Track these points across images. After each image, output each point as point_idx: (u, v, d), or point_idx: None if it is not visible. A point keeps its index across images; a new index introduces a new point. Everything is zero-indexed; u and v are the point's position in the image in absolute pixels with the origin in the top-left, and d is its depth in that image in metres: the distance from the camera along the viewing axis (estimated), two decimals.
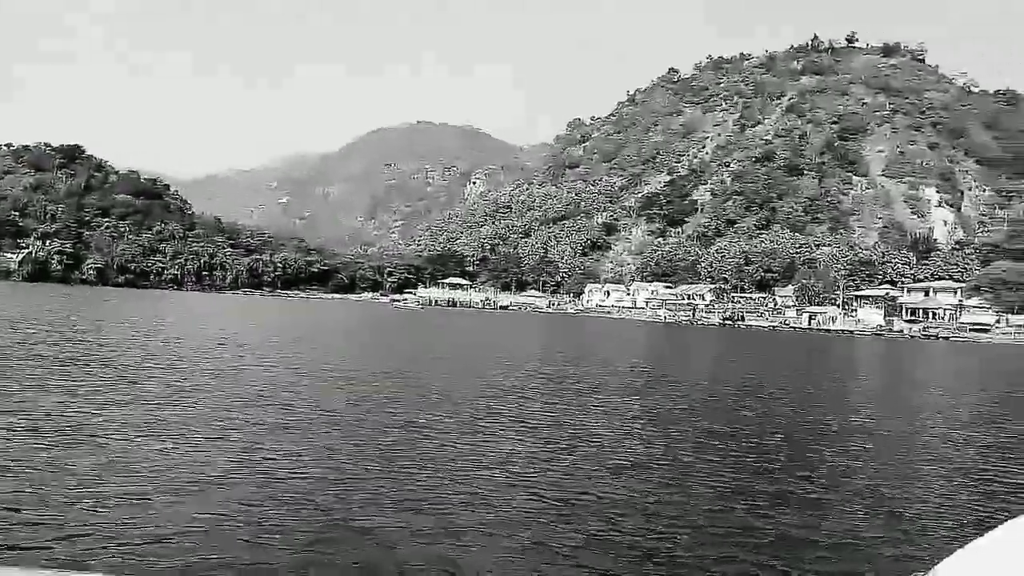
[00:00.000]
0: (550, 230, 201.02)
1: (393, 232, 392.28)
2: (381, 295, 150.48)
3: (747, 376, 20.55)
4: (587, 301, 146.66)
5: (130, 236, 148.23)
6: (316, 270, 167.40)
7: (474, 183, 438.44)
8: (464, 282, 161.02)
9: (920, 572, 1.90)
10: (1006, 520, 2.01)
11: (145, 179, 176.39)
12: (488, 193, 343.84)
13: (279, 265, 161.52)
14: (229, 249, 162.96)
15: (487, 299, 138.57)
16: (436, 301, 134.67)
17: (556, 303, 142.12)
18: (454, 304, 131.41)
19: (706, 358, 29.91)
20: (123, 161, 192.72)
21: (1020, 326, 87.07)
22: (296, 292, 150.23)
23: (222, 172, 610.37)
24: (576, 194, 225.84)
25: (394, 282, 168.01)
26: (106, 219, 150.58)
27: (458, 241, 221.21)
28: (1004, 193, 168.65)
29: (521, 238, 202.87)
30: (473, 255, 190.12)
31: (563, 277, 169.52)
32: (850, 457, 9.63)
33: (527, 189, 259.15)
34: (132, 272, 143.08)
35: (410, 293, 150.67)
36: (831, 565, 5.26)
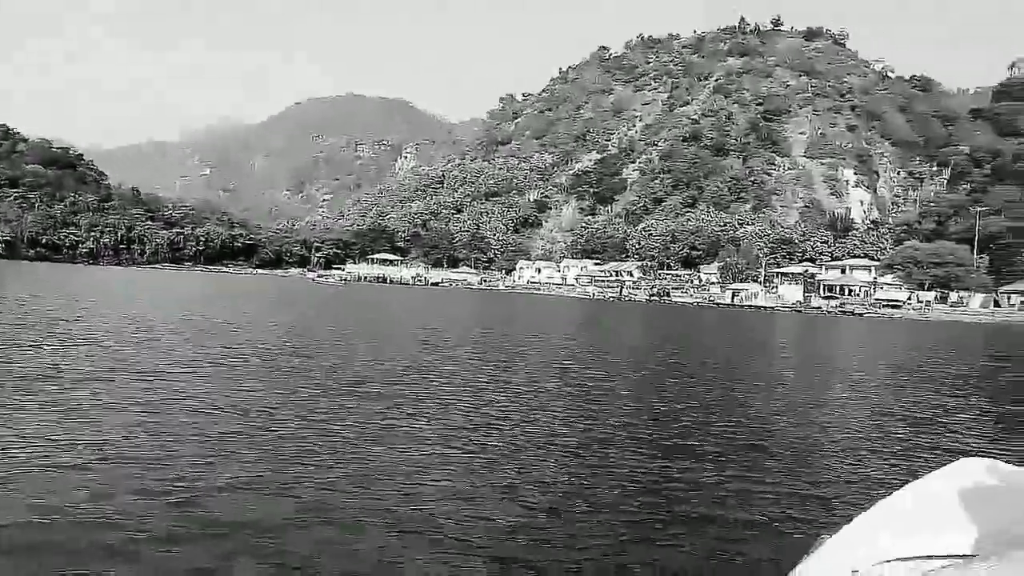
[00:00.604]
0: (482, 206, 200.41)
1: (321, 206, 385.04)
2: (308, 270, 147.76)
3: (666, 352, 20.95)
4: (518, 278, 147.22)
5: (41, 208, 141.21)
6: (240, 244, 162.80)
7: (405, 157, 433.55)
8: (395, 258, 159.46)
9: (826, 535, 1.95)
10: (908, 483, 2.09)
11: (57, 148, 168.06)
12: (419, 168, 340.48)
13: (201, 239, 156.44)
14: (148, 222, 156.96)
15: (418, 275, 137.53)
16: (365, 277, 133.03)
17: (488, 280, 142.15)
18: (384, 280, 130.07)
19: (628, 333, 30.34)
20: (33, 129, 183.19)
21: (928, 302, 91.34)
22: (219, 267, 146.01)
23: (142, 143, 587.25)
24: (508, 170, 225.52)
25: (322, 257, 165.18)
26: (14, 190, 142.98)
27: (388, 216, 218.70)
28: (916, 175, 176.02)
29: (453, 214, 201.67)
30: (404, 230, 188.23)
31: (495, 254, 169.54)
32: (758, 427, 9.86)
33: (459, 164, 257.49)
34: (44, 246, 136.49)
35: (339, 268, 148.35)
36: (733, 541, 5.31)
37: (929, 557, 1.70)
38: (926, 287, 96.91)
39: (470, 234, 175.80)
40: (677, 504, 6.11)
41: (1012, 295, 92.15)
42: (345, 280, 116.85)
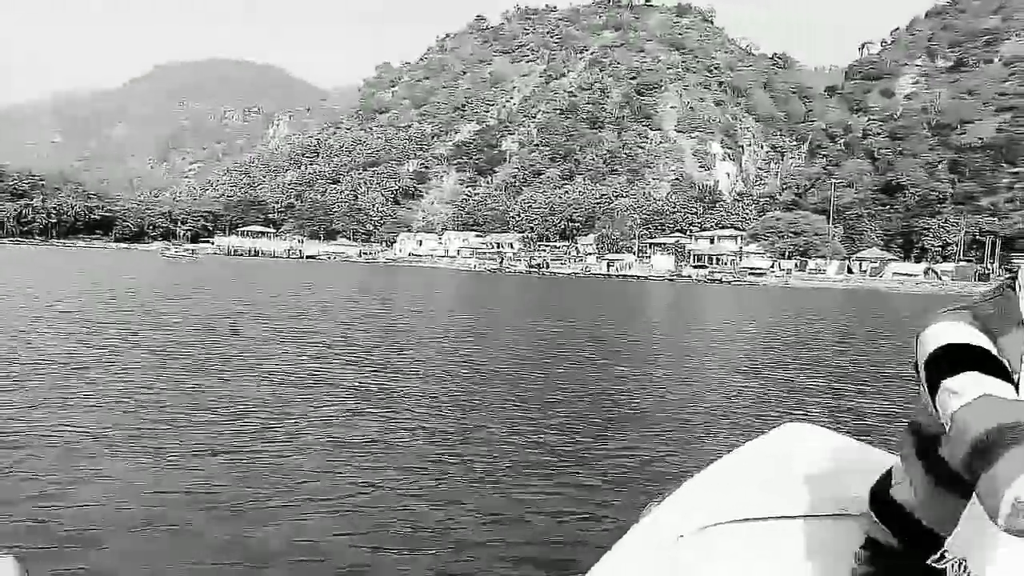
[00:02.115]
0: (360, 176, 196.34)
1: (187, 176, 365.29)
2: (173, 245, 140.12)
3: (535, 321, 21.21)
4: (399, 250, 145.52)
5: None
6: (98, 217, 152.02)
7: (277, 125, 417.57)
8: (267, 230, 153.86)
9: (655, 501, 2.01)
10: (735, 448, 2.16)
11: None
12: (293, 136, 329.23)
13: (52, 211, 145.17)
14: None
15: (292, 248, 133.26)
16: (236, 250, 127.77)
17: (367, 252, 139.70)
18: (256, 254, 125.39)
19: (506, 302, 30.56)
20: None
21: (789, 270, 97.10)
22: (74, 241, 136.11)
23: None
24: (386, 140, 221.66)
25: (188, 230, 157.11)
26: None
27: (260, 187, 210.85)
28: (778, 149, 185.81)
29: (329, 184, 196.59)
30: (277, 202, 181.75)
31: (374, 225, 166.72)
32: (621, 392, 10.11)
33: (335, 133, 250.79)
34: None
35: (207, 242, 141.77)
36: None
37: (750, 519, 1.76)
38: (787, 255, 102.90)
39: (348, 205, 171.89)
40: (514, 472, 6.15)
41: (862, 262, 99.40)
42: (193, 252, 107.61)
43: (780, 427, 2.29)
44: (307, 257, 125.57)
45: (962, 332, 1.16)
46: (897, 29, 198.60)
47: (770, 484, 1.91)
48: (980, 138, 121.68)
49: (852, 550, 1.50)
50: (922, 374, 1.18)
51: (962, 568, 1.17)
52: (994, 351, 1.15)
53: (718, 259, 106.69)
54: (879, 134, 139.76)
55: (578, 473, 6.11)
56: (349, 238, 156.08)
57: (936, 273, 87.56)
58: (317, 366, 11.02)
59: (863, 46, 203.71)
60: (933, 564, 1.21)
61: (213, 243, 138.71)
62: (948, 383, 1.12)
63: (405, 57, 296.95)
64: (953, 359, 1.13)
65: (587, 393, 9.76)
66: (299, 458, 6.14)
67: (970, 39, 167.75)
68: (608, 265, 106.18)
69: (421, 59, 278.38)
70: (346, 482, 5.59)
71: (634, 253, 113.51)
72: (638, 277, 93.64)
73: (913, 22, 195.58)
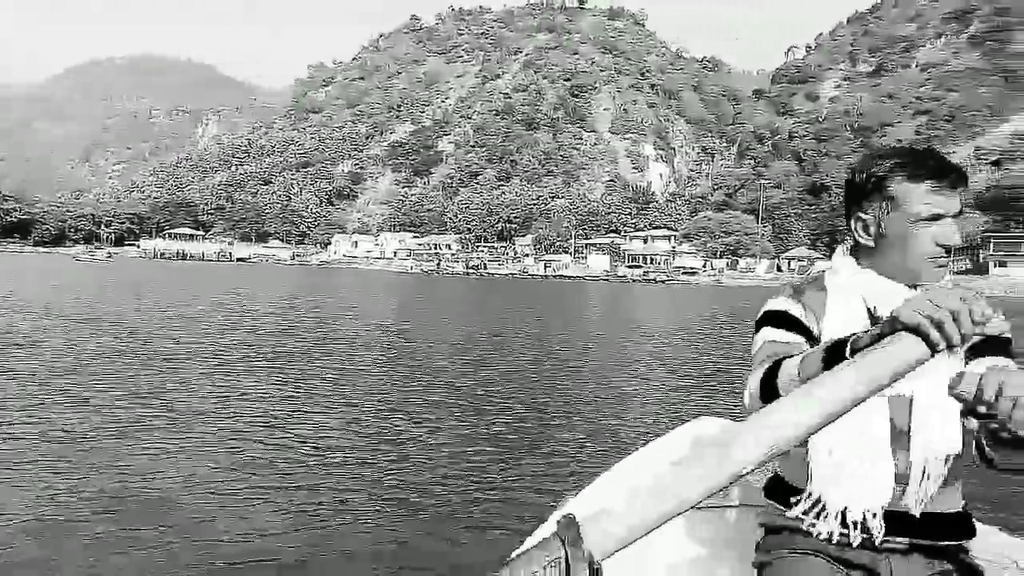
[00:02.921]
0: (293, 177, 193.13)
1: (112, 177, 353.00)
2: (95, 248, 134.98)
3: (471, 323, 21.28)
4: (334, 252, 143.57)
5: None
6: (14, 220, 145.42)
7: (206, 125, 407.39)
8: (196, 233, 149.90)
9: (570, 494, 2.00)
10: (650, 441, 2.23)
11: None
12: (223, 136, 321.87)
13: None
14: None
15: (222, 251, 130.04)
16: (163, 253, 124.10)
17: (301, 255, 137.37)
18: (184, 256, 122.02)
19: (443, 304, 30.51)
20: None
21: (721, 269, 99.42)
22: None
23: None
24: (320, 140, 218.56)
25: (112, 233, 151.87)
26: None
27: (189, 188, 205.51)
28: (708, 150, 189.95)
29: (261, 185, 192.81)
30: (207, 203, 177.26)
31: (308, 227, 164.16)
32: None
33: (266, 133, 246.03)
34: None
35: (132, 245, 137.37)
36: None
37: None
38: (718, 255, 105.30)
39: (280, 207, 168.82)
40: (435, 468, 6.15)
41: (791, 260, 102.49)
42: (110, 256, 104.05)
43: (692, 421, 2.35)
44: (238, 260, 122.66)
45: (776, 302, 1.45)
46: (821, 34, 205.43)
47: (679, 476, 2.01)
48: (899, 140, 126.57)
49: (755, 539, 1.54)
50: None
51: (820, 507, 1.31)
52: (796, 310, 1.41)
53: (652, 259, 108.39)
54: (805, 136, 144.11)
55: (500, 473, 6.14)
56: (282, 240, 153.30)
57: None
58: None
59: (789, 50, 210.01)
60: (800, 516, 1.35)
61: (139, 246, 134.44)
62: (754, 339, 1.43)
63: (338, 57, 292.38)
64: (759, 322, 1.44)
65: (518, 398, 9.84)
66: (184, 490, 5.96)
67: (889, 45, 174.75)
68: (545, 266, 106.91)
69: (355, 59, 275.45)
70: (238, 512, 5.42)
71: (570, 254, 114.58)
72: (574, 277, 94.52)
73: (836, 27, 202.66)
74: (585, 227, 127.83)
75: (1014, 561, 1.53)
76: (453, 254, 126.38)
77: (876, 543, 1.29)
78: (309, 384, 10.00)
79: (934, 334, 0.87)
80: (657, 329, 22.63)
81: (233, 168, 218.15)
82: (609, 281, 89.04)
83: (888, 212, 1.35)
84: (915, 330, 0.88)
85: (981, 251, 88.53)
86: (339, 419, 7.95)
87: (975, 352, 1.31)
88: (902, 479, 1.26)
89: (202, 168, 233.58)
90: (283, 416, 8.07)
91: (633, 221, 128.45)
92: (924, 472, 1.25)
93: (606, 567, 0.97)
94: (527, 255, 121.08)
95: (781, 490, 1.45)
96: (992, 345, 1.33)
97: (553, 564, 0.81)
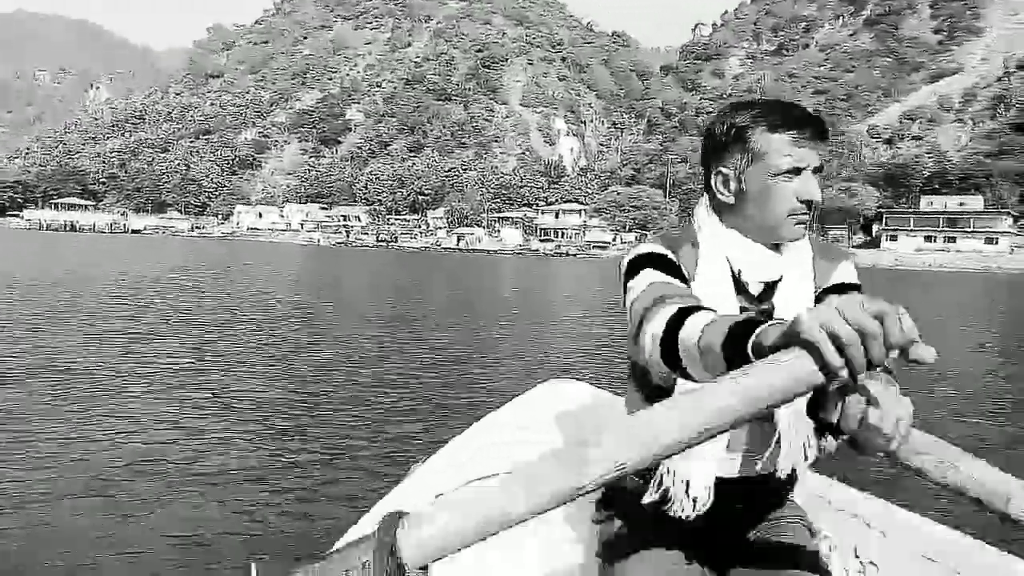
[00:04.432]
0: (192, 145, 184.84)
1: None
2: None
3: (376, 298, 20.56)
4: (237, 224, 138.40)
5: None
6: None
7: (98, 88, 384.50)
8: (87, 203, 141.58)
9: (418, 462, 2.01)
10: (502, 405, 2.22)
11: None
12: (116, 101, 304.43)
13: None
14: None
15: (115, 222, 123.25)
16: (50, 225, 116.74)
17: (200, 226, 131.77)
18: (74, 228, 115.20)
19: (350, 280, 29.53)
20: None
21: (631, 243, 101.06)
22: None
23: None
24: (221, 107, 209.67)
25: None
26: None
27: (79, 155, 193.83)
28: (618, 125, 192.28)
29: (158, 153, 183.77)
30: (98, 172, 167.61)
31: (209, 197, 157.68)
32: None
33: (163, 98, 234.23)
34: None
35: (14, 216, 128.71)
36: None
37: (508, 474, 1.60)
38: (628, 228, 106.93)
39: (179, 176, 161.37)
40: (295, 445, 5.83)
41: None
42: None
43: (542, 383, 2.35)
44: (133, 231, 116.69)
45: (649, 248, 1.33)
46: (726, 12, 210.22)
47: (532, 438, 1.99)
48: None
49: (592, 510, 1.56)
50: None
51: (672, 476, 1.31)
52: (675, 259, 1.31)
53: (563, 233, 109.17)
54: (711, 112, 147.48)
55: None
56: (180, 211, 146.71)
57: None
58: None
59: (696, 27, 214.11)
60: (652, 492, 1.33)
61: (23, 217, 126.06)
62: (629, 283, 1.28)
63: (239, 19, 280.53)
64: (635, 264, 1.29)
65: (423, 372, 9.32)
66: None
67: (790, 25, 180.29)
68: (458, 239, 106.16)
69: (257, 22, 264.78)
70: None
71: (484, 227, 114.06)
72: (488, 251, 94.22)
73: (740, 6, 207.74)
74: (498, 200, 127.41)
75: (828, 501, 1.66)
76: (363, 227, 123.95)
77: (709, 506, 1.31)
78: (175, 364, 9.18)
79: (832, 358, 0.73)
80: (568, 300, 22.49)
81: (127, 135, 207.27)
82: (523, 255, 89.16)
83: (749, 165, 1.31)
84: (812, 348, 0.73)
85: (874, 225, 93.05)
86: (192, 397, 7.29)
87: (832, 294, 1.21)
88: (754, 447, 1.27)
89: (93, 134, 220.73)
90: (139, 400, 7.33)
91: (545, 195, 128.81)
92: (788, 441, 1.26)
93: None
94: (440, 228, 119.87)
95: None
96: (844, 292, 1.31)
97: (375, 558, 0.78)
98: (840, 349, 0.72)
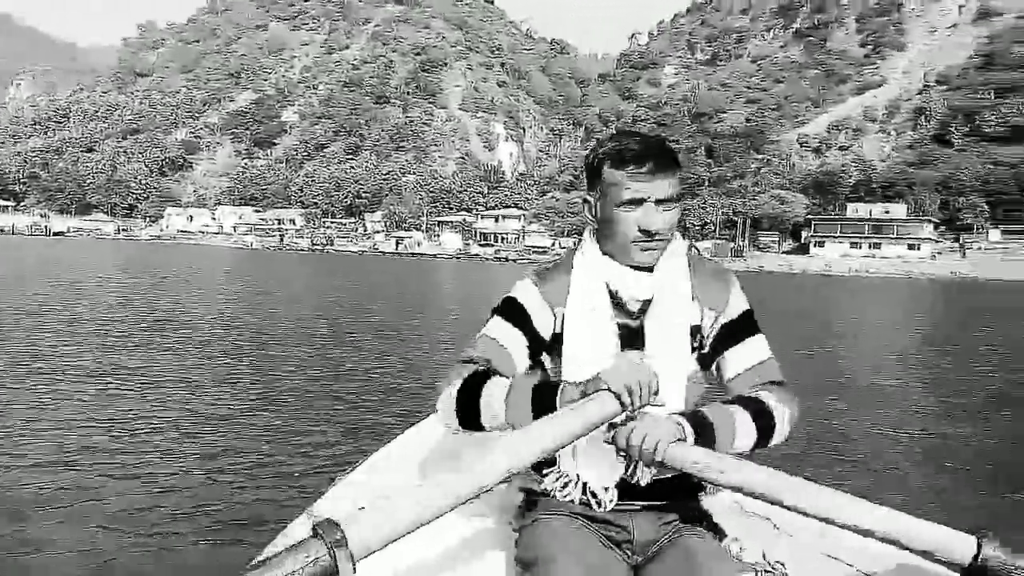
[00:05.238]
0: (119, 145, 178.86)
1: None
2: None
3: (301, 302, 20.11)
4: (167, 226, 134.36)
5: None
6: None
7: (19, 85, 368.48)
8: (6, 203, 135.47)
9: (344, 472, 1.98)
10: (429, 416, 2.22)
11: None
12: (38, 98, 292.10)
13: None
14: None
15: (36, 224, 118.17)
16: None
17: (127, 229, 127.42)
18: None
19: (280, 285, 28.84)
20: None
21: (568, 247, 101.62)
22: None
23: None
24: (150, 106, 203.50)
25: None
26: None
27: None
28: (556, 132, 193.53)
29: (83, 152, 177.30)
30: (18, 171, 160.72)
31: (137, 199, 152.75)
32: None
33: (89, 96, 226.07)
34: None
35: None
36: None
37: (427, 481, 1.79)
38: (567, 234, 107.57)
39: (105, 176, 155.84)
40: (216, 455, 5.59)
41: None
42: None
43: None
44: (54, 233, 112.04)
45: (515, 289, 1.53)
46: (662, 22, 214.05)
47: (450, 452, 2.02)
48: (732, 127, 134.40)
49: (516, 503, 1.62)
50: None
51: (567, 480, 1.47)
52: (533, 301, 1.50)
53: (503, 237, 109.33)
54: (647, 120, 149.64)
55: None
56: (106, 213, 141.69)
57: (697, 250, 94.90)
58: None
59: (632, 36, 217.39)
60: (549, 486, 1.49)
61: None
62: (487, 323, 1.54)
63: (171, 17, 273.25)
64: (498, 308, 1.53)
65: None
66: None
67: (723, 36, 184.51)
68: (397, 243, 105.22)
69: (190, 20, 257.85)
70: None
71: (423, 231, 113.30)
72: (428, 255, 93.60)
73: (676, 16, 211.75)
74: (437, 204, 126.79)
75: (740, 504, 1.75)
76: (298, 230, 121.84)
77: (613, 507, 1.44)
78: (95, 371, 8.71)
79: (627, 400, 1.19)
80: (488, 305, 22.37)
81: (50, 133, 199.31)
82: (462, 259, 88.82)
83: (600, 196, 1.44)
84: (616, 394, 1.19)
85: (803, 231, 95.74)
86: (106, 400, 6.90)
87: (729, 334, 1.50)
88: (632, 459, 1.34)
89: (13, 132, 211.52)
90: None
91: (484, 200, 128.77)
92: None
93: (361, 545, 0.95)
94: (377, 232, 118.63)
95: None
96: (740, 326, 1.51)
97: (312, 565, 0.81)
98: (630, 393, 1.19)
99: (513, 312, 1.48)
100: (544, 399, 1.26)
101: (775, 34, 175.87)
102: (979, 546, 1.02)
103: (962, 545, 1.02)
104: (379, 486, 1.84)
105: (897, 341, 15.52)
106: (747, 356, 1.47)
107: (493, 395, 1.31)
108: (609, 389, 1.18)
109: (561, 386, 1.27)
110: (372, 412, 7.16)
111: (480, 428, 1.34)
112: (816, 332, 16.94)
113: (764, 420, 1.34)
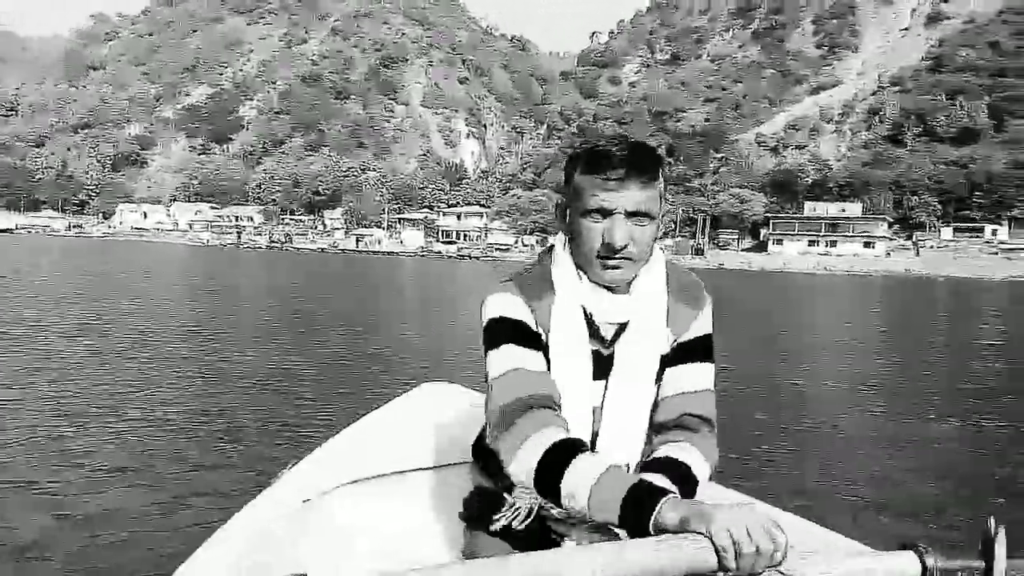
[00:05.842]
0: (70, 139, 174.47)
1: None
2: None
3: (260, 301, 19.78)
4: (120, 223, 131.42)
5: None
6: None
7: None
8: None
9: (285, 469, 1.98)
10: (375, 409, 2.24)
11: None
12: None
13: None
14: None
15: None
16: None
17: (78, 225, 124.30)
18: None
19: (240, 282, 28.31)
20: None
21: (532, 245, 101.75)
22: None
23: None
24: (102, 100, 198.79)
25: None
26: None
27: None
28: (518, 129, 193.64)
29: (31, 147, 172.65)
30: None
31: (88, 195, 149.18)
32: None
33: (38, 89, 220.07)
34: None
35: None
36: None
37: (382, 475, 1.83)
38: (529, 231, 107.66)
39: (56, 172, 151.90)
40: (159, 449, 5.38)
41: None
42: None
43: (419, 386, 2.36)
44: (2, 231, 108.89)
45: (507, 305, 1.34)
46: (623, 21, 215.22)
47: (405, 440, 2.00)
48: (692, 126, 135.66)
49: (464, 496, 1.58)
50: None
51: (524, 510, 1.37)
52: (530, 319, 1.33)
53: (465, 235, 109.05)
54: (608, 118, 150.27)
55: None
56: (56, 209, 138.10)
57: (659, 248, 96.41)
58: None
59: (593, 34, 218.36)
60: (507, 511, 1.40)
61: None
62: (489, 354, 1.32)
63: (124, 10, 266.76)
64: (495, 331, 1.32)
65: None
66: None
67: (683, 35, 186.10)
68: (357, 240, 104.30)
69: (144, 12, 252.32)
70: None
71: (384, 228, 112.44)
72: (389, 253, 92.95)
73: (636, 15, 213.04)
74: (399, 202, 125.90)
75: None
76: (256, 227, 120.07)
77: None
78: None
79: (732, 563, 0.93)
80: (447, 302, 22.29)
81: None
82: (425, 257, 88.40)
83: (570, 201, 1.32)
84: (717, 548, 0.93)
85: (762, 229, 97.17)
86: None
87: (678, 354, 1.39)
88: None
89: None
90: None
91: (446, 197, 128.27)
92: None
93: (330, 528, 1.16)
94: (337, 229, 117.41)
95: (483, 453, 1.46)
96: (691, 348, 1.40)
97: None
98: (738, 555, 0.92)
99: (526, 336, 1.32)
100: (641, 507, 1.05)
101: (734, 34, 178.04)
102: (922, 561, 0.98)
103: (908, 564, 0.99)
104: (325, 479, 1.83)
105: (851, 336, 15.74)
106: (685, 381, 1.36)
107: (578, 484, 1.13)
108: (713, 543, 0.94)
109: (665, 499, 1.04)
110: (328, 403, 7.04)
111: (560, 506, 1.18)
112: (772, 329, 17.15)
113: (690, 486, 1.22)
